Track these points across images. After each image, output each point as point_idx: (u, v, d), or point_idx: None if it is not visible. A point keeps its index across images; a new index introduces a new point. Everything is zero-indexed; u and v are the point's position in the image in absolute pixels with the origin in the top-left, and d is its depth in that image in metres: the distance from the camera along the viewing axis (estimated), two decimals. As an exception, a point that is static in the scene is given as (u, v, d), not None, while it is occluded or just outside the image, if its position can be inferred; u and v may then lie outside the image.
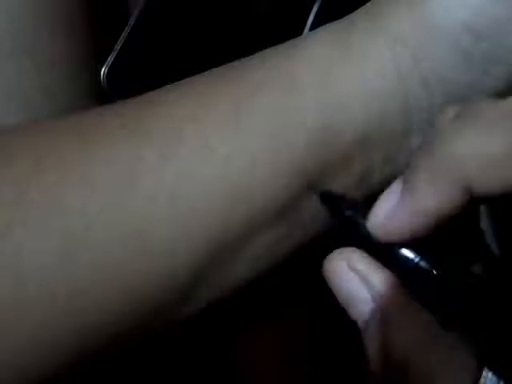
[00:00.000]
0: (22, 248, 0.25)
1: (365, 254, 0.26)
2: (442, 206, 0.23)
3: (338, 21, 0.30)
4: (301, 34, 0.41)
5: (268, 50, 0.30)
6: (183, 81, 0.30)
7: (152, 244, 0.27)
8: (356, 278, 0.25)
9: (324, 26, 0.30)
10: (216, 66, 0.30)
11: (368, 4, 0.29)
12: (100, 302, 0.26)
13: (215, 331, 0.39)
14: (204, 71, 0.30)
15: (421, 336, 0.24)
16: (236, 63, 0.30)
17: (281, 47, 0.30)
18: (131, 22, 0.39)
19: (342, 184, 0.28)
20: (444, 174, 0.23)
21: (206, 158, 0.27)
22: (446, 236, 0.24)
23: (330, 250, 0.27)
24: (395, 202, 0.24)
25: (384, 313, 0.25)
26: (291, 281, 0.38)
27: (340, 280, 0.26)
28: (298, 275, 0.38)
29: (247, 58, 0.30)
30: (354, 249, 0.26)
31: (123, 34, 0.39)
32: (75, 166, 0.27)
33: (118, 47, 0.39)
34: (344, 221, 0.27)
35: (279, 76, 0.28)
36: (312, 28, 0.41)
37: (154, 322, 0.28)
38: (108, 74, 0.38)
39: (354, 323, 0.26)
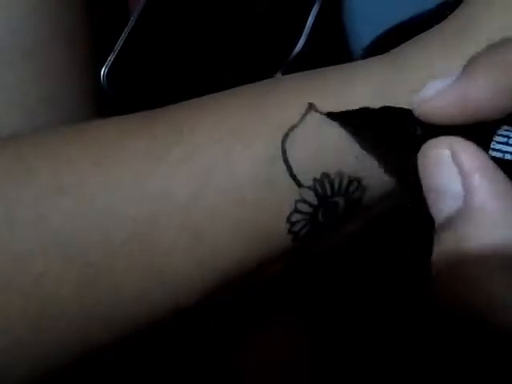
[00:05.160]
0: (42, 277, 0.25)
1: (474, 146, 0.23)
2: (491, 100, 0.23)
3: (389, 55, 0.28)
4: (301, 34, 0.41)
5: (316, 74, 0.28)
6: (216, 99, 0.28)
7: (171, 278, 0.27)
8: (455, 171, 0.23)
9: (372, 61, 0.28)
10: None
11: (419, 43, 0.27)
12: (114, 328, 0.27)
13: (215, 338, 0.40)
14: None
15: (498, 260, 0.22)
16: (279, 82, 0.28)
17: (328, 74, 0.28)
18: (131, 22, 0.39)
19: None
20: (502, 73, 0.23)
21: (235, 202, 0.27)
22: None
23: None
24: (450, 82, 0.24)
25: (472, 220, 0.22)
26: (288, 286, 0.39)
27: (437, 169, 0.23)
28: (297, 280, 0.38)
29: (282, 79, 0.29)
30: (461, 139, 0.23)
31: (123, 34, 0.39)
32: (96, 192, 0.26)
33: (117, 47, 0.39)
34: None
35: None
36: (312, 28, 0.41)
37: (156, 332, 0.29)
38: (108, 74, 0.38)
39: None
